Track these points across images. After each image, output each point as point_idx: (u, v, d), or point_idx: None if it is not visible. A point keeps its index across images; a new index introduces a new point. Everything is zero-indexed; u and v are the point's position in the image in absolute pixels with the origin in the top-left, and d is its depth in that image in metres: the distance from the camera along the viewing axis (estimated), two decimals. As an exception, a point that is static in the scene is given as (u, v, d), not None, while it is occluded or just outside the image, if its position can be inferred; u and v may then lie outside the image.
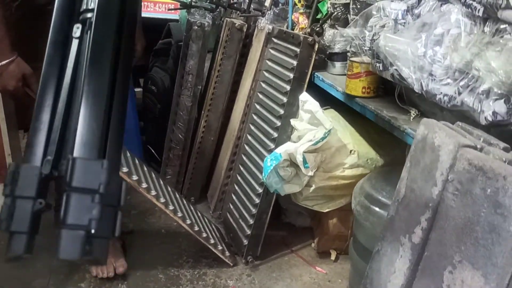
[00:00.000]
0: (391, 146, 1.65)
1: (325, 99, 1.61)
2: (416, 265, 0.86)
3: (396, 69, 1.10)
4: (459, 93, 0.91)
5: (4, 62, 1.40)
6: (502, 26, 0.82)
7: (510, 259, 0.69)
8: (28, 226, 0.51)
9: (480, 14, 0.86)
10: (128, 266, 1.71)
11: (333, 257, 1.80)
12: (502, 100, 0.83)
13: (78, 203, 0.52)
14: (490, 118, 0.85)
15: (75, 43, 0.62)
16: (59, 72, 0.62)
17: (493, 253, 0.71)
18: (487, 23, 0.86)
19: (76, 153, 0.54)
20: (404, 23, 1.11)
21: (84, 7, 0.62)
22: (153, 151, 2.49)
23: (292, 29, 1.83)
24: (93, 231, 0.51)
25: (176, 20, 2.50)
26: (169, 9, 2.37)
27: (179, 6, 2.27)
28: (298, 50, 1.51)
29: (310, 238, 1.90)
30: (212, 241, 1.69)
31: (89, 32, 0.60)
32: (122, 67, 0.62)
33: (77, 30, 0.62)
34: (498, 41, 0.81)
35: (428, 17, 1.02)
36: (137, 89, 2.53)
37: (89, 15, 0.60)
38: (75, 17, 0.63)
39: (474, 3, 0.87)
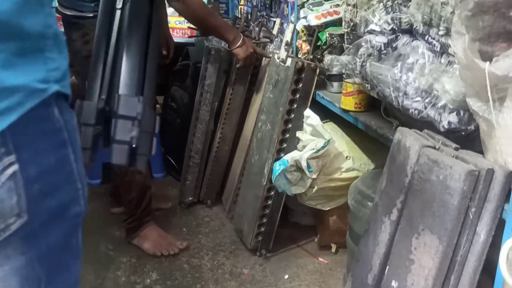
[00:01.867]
0: (380, 152, 1.94)
1: (325, 113, 1.91)
2: (393, 236, 1.15)
3: (380, 89, 1.39)
4: (425, 108, 1.21)
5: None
6: (451, 59, 1.12)
7: (455, 225, 0.98)
8: (90, 144, 0.72)
9: (438, 49, 1.16)
10: (155, 258, 2.01)
11: (333, 249, 2.07)
12: (455, 113, 1.12)
13: (122, 126, 0.73)
14: (446, 126, 1.14)
15: (118, 13, 0.81)
16: (107, 34, 0.81)
17: (444, 221, 0.99)
18: (443, 55, 1.17)
19: (121, 92, 0.76)
20: (385, 53, 1.41)
21: None
22: (172, 161, 2.79)
23: (296, 54, 2.14)
24: (133, 145, 0.73)
25: (193, 44, 2.82)
26: (190, 36, 2.69)
27: (195, 34, 2.60)
28: (303, 74, 1.82)
29: (313, 234, 2.18)
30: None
31: (128, 3, 0.81)
32: (154, 31, 0.83)
33: (119, 3, 0.81)
34: (450, 70, 1.11)
35: (403, 50, 1.32)
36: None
37: None
38: None
39: (434, 41, 1.17)
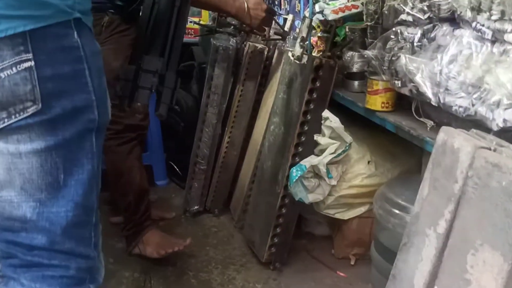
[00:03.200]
0: (405, 156, 1.80)
1: (343, 114, 1.77)
2: (441, 252, 1.00)
3: (414, 85, 1.25)
4: (473, 104, 1.06)
5: None
6: (508, 47, 0.98)
7: (523, 239, 0.83)
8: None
9: (489, 37, 1.02)
10: (161, 272, 1.85)
11: (352, 262, 1.92)
12: (511, 109, 0.98)
13: (145, 76, 1.09)
14: (501, 125, 0.99)
15: (156, 6, 1.16)
16: (149, 15, 1.16)
17: (510, 235, 0.85)
18: (495, 44, 1.02)
19: (147, 55, 1.12)
20: (420, 45, 1.27)
21: None
22: (175, 167, 2.64)
23: (311, 52, 1.99)
24: (153, 91, 1.10)
25: (197, 44, 2.68)
26: (197, 35, 2.55)
27: (200, 32, 2.46)
28: (321, 72, 1.67)
29: (330, 246, 2.03)
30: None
31: None
32: (181, 15, 1.17)
33: None
34: (505, 60, 0.96)
35: (442, 40, 1.18)
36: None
37: None
38: None
39: (483, 28, 1.03)
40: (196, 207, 2.27)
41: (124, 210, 1.93)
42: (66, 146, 0.85)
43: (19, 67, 0.77)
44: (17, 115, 0.79)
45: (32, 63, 0.77)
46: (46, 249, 0.89)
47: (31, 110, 0.79)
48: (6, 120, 0.79)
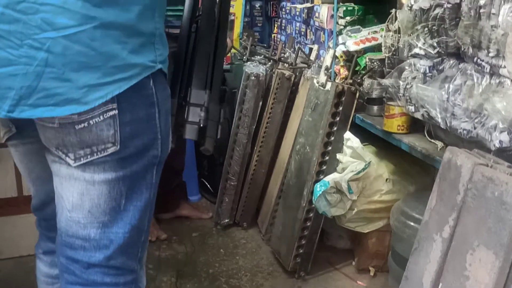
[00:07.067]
0: (419, 175, 1.95)
1: (364, 136, 1.94)
2: (445, 254, 1.16)
3: (425, 111, 1.43)
4: (475, 128, 1.24)
5: None
6: (503, 80, 1.15)
7: (512, 240, 0.99)
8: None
9: (488, 71, 1.20)
10: (196, 278, 2.04)
11: (372, 273, 2.07)
12: (506, 132, 1.15)
13: (193, 111, 1.03)
14: (497, 145, 1.16)
15: (193, 35, 1.15)
16: (186, 49, 1.14)
17: (501, 236, 1.01)
18: (493, 77, 1.20)
19: (192, 87, 1.06)
20: (431, 76, 1.45)
21: (197, 15, 1.17)
22: (207, 183, 2.84)
23: (334, 79, 2.19)
24: (201, 125, 1.03)
25: (229, 70, 2.90)
26: (229, 63, 2.78)
27: (231, 60, 2.69)
28: (343, 97, 1.86)
29: (351, 258, 2.17)
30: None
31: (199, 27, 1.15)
32: (220, 47, 1.16)
33: (194, 27, 1.15)
34: (501, 90, 1.14)
35: (449, 72, 1.36)
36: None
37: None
38: (193, 20, 1.18)
39: (483, 63, 1.21)
40: (226, 220, 2.46)
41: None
42: (132, 177, 0.95)
43: (106, 115, 0.87)
44: (99, 153, 0.90)
45: (116, 111, 0.88)
46: (102, 265, 0.99)
47: (110, 150, 0.91)
48: (89, 156, 0.91)
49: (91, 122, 0.88)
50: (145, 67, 0.90)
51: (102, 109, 0.87)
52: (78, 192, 0.94)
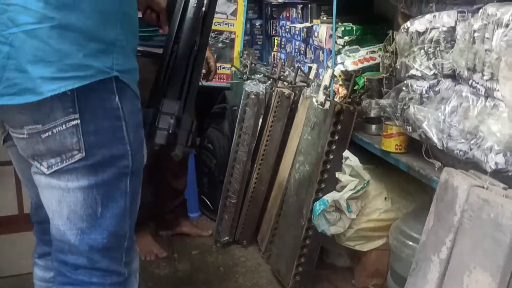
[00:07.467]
0: (418, 194, 1.96)
1: (362, 154, 1.96)
2: (443, 275, 1.17)
3: (422, 131, 1.44)
4: (471, 149, 1.25)
5: None
6: (497, 102, 1.17)
7: (508, 262, 1.00)
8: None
9: (483, 93, 1.22)
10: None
11: (371, 291, 2.07)
12: (501, 154, 1.16)
13: (164, 118, 1.13)
14: (493, 167, 1.17)
15: (174, 53, 1.23)
16: (166, 66, 1.23)
17: (497, 258, 1.02)
18: (488, 99, 1.22)
19: (165, 98, 1.15)
20: (427, 97, 1.47)
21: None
22: (207, 201, 2.85)
23: (333, 98, 2.21)
24: (170, 131, 1.12)
25: (229, 88, 2.94)
26: (229, 82, 2.82)
27: (232, 78, 2.72)
28: (341, 116, 1.88)
29: (350, 276, 2.17)
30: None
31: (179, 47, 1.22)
32: (197, 65, 1.24)
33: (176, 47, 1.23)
34: (495, 112, 1.16)
35: (445, 93, 1.38)
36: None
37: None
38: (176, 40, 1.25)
39: (478, 86, 1.23)
40: (226, 238, 2.46)
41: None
42: (104, 185, 1.04)
43: (68, 125, 0.97)
44: (67, 160, 1.00)
45: (78, 121, 0.97)
46: (87, 268, 1.08)
47: (77, 157, 1.00)
48: (59, 164, 1.00)
49: (54, 130, 0.97)
50: (100, 71, 0.96)
51: (64, 119, 0.97)
52: (56, 199, 1.04)
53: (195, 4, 1.21)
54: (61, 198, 1.03)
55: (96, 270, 1.08)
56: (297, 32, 2.73)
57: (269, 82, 2.50)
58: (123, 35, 1.01)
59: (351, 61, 2.07)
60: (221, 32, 3.00)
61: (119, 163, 1.05)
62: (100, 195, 1.04)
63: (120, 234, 1.10)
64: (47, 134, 0.97)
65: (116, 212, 1.07)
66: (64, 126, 0.97)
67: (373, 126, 1.95)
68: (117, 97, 1.01)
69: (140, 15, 1.30)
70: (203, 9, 1.26)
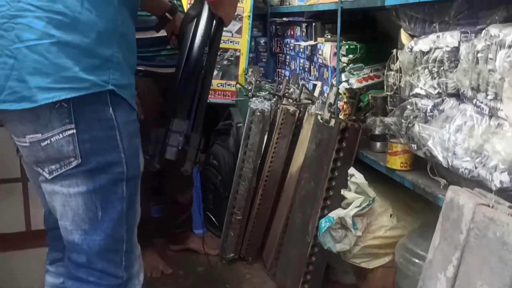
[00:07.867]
0: (423, 211, 1.97)
1: (367, 171, 1.97)
2: (450, 294, 1.17)
3: (427, 149, 1.46)
4: (476, 167, 1.26)
5: None
6: (501, 122, 1.19)
7: (515, 281, 1.00)
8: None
9: (487, 113, 1.24)
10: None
11: (377, 309, 2.06)
12: (506, 173, 1.18)
13: (173, 136, 1.25)
14: (498, 185, 1.19)
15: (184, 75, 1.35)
16: (177, 86, 1.34)
17: (503, 277, 1.02)
18: (492, 118, 1.23)
19: (175, 117, 1.28)
20: (432, 115, 1.48)
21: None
22: (212, 217, 2.85)
23: (338, 116, 2.23)
24: (179, 148, 1.25)
25: (234, 105, 2.96)
26: (234, 99, 2.85)
27: (237, 95, 2.74)
28: (346, 133, 1.90)
29: (356, 294, 2.17)
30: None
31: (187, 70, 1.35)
32: (205, 87, 1.38)
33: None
34: (500, 131, 1.17)
35: (450, 112, 1.40)
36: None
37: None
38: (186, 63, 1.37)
39: (482, 105, 1.25)
40: (231, 255, 2.46)
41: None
42: (102, 190, 1.13)
43: (64, 134, 1.06)
44: (65, 166, 1.09)
45: (74, 131, 1.07)
46: (86, 266, 1.17)
47: (74, 164, 1.09)
48: (59, 169, 1.10)
49: (52, 139, 1.07)
50: (95, 84, 1.05)
51: (61, 129, 1.06)
52: (61, 203, 1.14)
53: (204, 28, 1.28)
54: (65, 202, 1.13)
55: (93, 270, 1.17)
56: (301, 50, 2.77)
57: (274, 99, 2.53)
58: (119, 53, 1.10)
59: (355, 79, 2.09)
60: (226, 50, 3.04)
61: (114, 169, 1.13)
62: (99, 199, 1.13)
63: (116, 238, 1.17)
64: (46, 142, 1.07)
65: (114, 216, 1.15)
66: (61, 135, 1.06)
67: (378, 144, 1.96)
68: (111, 109, 1.10)
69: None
70: (211, 32, 1.33)
